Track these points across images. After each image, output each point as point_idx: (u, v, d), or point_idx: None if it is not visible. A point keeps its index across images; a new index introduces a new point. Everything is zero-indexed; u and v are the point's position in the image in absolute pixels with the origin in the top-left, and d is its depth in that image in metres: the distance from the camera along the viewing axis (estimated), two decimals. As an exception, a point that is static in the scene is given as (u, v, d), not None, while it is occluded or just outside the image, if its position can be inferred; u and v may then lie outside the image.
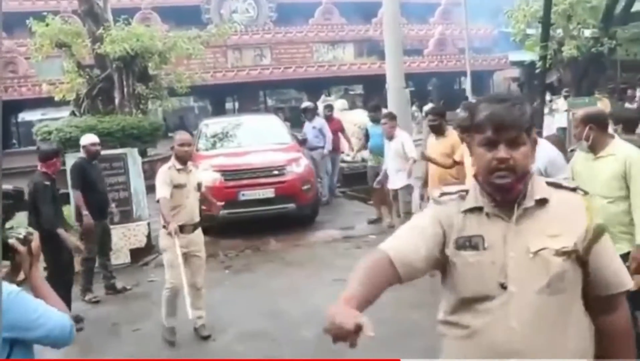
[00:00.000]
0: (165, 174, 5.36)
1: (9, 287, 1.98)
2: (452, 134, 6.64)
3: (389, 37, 12.07)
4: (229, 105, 34.77)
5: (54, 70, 19.05)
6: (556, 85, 27.30)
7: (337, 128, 11.04)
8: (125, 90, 14.65)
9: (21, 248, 2.08)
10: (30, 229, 2.20)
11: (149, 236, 8.15)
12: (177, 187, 5.29)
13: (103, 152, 8.36)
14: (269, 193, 8.57)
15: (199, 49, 15.34)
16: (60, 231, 6.00)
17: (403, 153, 7.80)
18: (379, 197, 9.21)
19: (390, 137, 7.93)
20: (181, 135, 5.66)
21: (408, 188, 7.92)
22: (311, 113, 11.13)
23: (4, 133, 24.01)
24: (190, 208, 5.47)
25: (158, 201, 5.32)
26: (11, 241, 2.06)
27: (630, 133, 5.20)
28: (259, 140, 9.81)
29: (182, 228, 5.24)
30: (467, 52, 17.40)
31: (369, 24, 27.77)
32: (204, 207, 5.97)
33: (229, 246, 8.54)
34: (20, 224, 2.30)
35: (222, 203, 6.61)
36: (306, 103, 11.54)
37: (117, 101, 14.72)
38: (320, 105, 14.54)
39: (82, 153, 7.10)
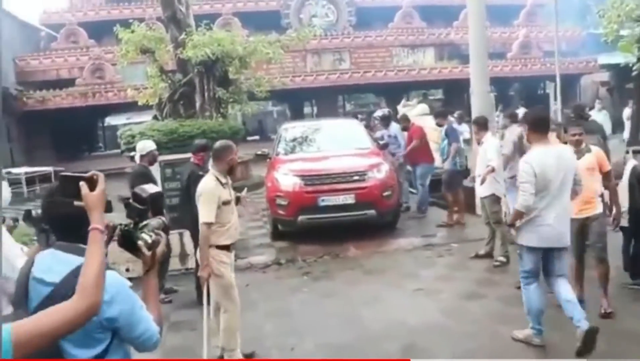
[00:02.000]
0: (213, 192, 4.76)
1: (124, 279, 2.09)
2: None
3: (474, 40, 11.58)
4: (307, 110, 34.91)
5: (138, 76, 19.61)
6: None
7: (419, 137, 10.35)
8: (206, 94, 14.81)
9: (146, 252, 2.19)
10: (161, 230, 2.28)
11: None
12: (225, 203, 4.80)
13: (182, 156, 8.37)
14: (349, 199, 8.30)
15: (279, 53, 15.34)
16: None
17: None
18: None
19: (478, 142, 7.55)
20: (231, 144, 5.15)
21: (493, 197, 7.51)
22: (387, 120, 10.80)
23: (91, 136, 25.00)
24: (236, 224, 5.00)
25: (203, 224, 4.72)
26: (140, 243, 2.18)
27: None
28: (339, 145, 9.57)
29: (229, 247, 4.90)
30: (557, 56, 16.52)
31: (450, 27, 27.19)
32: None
33: (308, 252, 8.32)
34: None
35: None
36: (381, 111, 11.15)
37: (198, 105, 14.90)
38: (401, 109, 14.18)
39: (138, 161, 7.04)
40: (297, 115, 33.34)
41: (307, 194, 8.35)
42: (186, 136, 13.66)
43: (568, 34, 28.76)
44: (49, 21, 26.36)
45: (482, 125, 7.65)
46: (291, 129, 10.46)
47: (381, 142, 10.12)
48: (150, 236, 2.20)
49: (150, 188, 2.38)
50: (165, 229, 2.33)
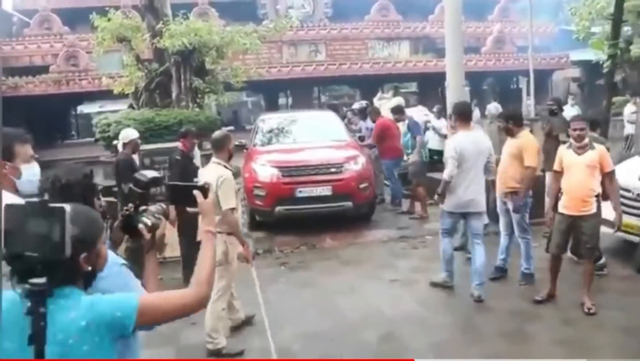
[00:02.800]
0: (232, 179, 5.01)
1: (117, 259, 2.21)
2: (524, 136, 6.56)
3: (450, 33, 11.62)
4: (282, 101, 34.88)
5: (113, 64, 19.43)
6: (620, 86, 26.37)
7: (383, 132, 10.23)
8: (183, 84, 14.73)
9: (146, 235, 2.27)
10: (161, 215, 2.35)
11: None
12: (237, 191, 5.07)
13: (160, 146, 8.44)
14: (326, 190, 8.44)
15: (256, 43, 15.32)
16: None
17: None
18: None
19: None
20: (229, 133, 5.50)
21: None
22: (364, 113, 10.93)
23: (64, 124, 24.58)
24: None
25: (229, 210, 4.86)
26: (140, 226, 2.26)
27: None
28: (316, 137, 9.70)
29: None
30: (530, 51, 16.83)
31: (425, 20, 27.39)
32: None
33: (285, 242, 8.46)
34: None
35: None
36: (359, 103, 11.22)
37: (174, 95, 14.82)
38: (376, 102, 14.32)
39: (121, 149, 7.12)
40: (272, 106, 33.27)
41: (284, 185, 8.47)
42: (162, 125, 13.60)
43: (541, 29, 29.22)
44: (22, 6, 25.90)
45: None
46: (268, 120, 10.55)
47: (359, 135, 10.25)
48: (150, 219, 2.28)
49: (150, 173, 2.49)
50: (165, 214, 2.41)
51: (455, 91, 11.70)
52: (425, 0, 28.11)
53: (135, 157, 7.44)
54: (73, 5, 24.68)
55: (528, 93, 32.55)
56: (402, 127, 10.06)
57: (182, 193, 2.28)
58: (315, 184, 8.42)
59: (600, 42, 20.06)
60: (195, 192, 2.24)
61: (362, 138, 10.29)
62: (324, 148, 9.28)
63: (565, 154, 5.88)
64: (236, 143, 10.63)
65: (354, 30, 25.85)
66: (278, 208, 8.46)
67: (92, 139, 22.60)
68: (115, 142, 14.15)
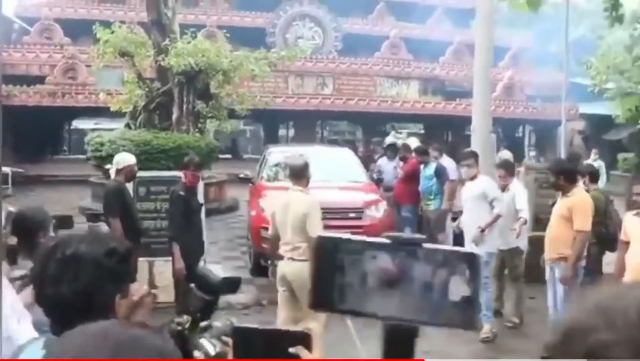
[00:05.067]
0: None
1: None
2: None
3: (479, 77, 11.15)
4: (282, 132, 34.11)
5: (113, 81, 18.65)
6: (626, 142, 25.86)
7: (410, 172, 9.39)
8: (185, 106, 13.90)
9: None
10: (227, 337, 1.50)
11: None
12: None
13: (158, 174, 7.48)
14: (344, 238, 7.49)
15: (265, 70, 14.54)
16: (175, 248, 5.69)
17: (514, 209, 6.65)
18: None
19: (503, 188, 6.75)
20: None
21: (517, 250, 6.78)
22: (394, 150, 9.98)
23: (56, 139, 23.51)
24: None
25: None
26: (196, 354, 1.48)
27: None
28: (331, 176, 8.75)
29: None
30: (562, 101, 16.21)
31: (436, 62, 26.84)
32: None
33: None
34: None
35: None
36: (391, 139, 10.25)
37: (174, 117, 13.97)
38: (389, 140, 13.49)
39: (114, 176, 6.13)
40: (272, 136, 32.47)
41: (296, 229, 7.48)
42: (159, 149, 12.73)
43: (552, 79, 28.71)
44: (25, 14, 25.11)
45: (509, 169, 6.93)
46: (277, 153, 9.57)
47: (375, 176, 9.34)
48: (214, 345, 1.51)
49: (223, 271, 1.68)
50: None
51: (481, 136, 10.98)
52: (436, 42, 27.60)
53: (129, 185, 6.44)
54: (77, 16, 23.96)
55: (529, 143, 32.22)
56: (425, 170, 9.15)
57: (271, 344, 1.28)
58: (333, 230, 7.44)
59: (615, 97, 19.65)
60: (296, 348, 1.23)
61: (380, 181, 9.36)
62: (342, 189, 8.36)
63: (630, 222, 4.98)
64: (240, 175, 9.77)
65: (363, 65, 25.23)
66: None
67: (84, 156, 21.71)
68: (108, 165, 13.27)
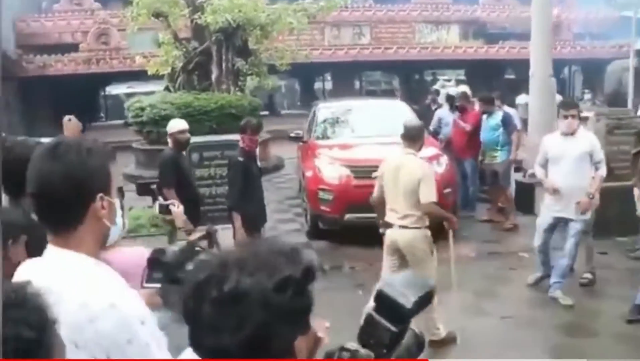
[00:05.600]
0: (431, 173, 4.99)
1: None
2: None
3: (538, 17, 10.43)
4: (317, 86, 33.46)
5: (147, 43, 18.22)
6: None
7: (476, 124, 8.67)
8: (224, 65, 13.46)
9: None
10: None
11: (262, 240, 6.79)
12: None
13: (210, 138, 7.11)
14: (407, 196, 7.03)
15: (303, 23, 13.93)
16: (236, 218, 5.40)
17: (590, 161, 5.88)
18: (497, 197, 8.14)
19: (573, 132, 6.02)
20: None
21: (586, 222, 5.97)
22: (453, 100, 9.36)
23: (93, 106, 23.40)
24: None
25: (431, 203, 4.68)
26: None
27: None
28: (388, 131, 8.25)
29: None
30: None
31: (476, 4, 25.68)
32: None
33: (356, 256, 7.05)
34: None
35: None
36: (457, 89, 9.38)
37: (214, 77, 13.55)
38: (442, 90, 12.81)
39: (169, 143, 5.75)
40: (308, 91, 31.92)
41: (357, 189, 7.04)
42: (202, 110, 12.38)
43: (600, 15, 27.34)
44: (52, -19, 24.78)
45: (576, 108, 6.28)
46: (328, 109, 9.08)
47: (432, 128, 8.81)
48: None
49: (412, 291, 1.24)
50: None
51: (541, 82, 10.30)
52: (475, -18, 26.40)
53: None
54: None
55: (576, 85, 30.87)
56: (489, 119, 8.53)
57: None
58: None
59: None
60: None
61: (436, 133, 8.82)
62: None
63: None
64: (291, 134, 9.33)
65: (400, 12, 24.27)
66: (348, 216, 7.05)
67: (122, 122, 21.55)
68: (146, 128, 12.97)
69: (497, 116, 8.27)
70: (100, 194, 1.48)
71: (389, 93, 27.71)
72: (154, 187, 6.17)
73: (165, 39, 13.90)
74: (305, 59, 15.28)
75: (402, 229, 4.69)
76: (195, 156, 6.58)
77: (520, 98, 16.47)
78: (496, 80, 24.22)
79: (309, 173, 7.60)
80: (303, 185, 7.99)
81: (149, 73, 14.51)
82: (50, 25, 22.24)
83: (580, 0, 27.47)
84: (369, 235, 7.35)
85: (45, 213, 1.48)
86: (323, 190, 7.18)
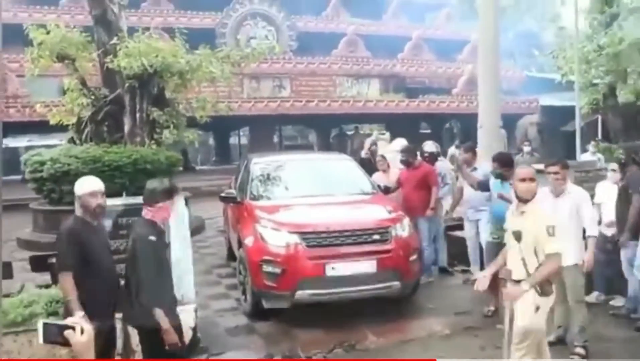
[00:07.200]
0: None
1: None
2: None
3: (485, 69, 10.17)
4: (232, 140, 32.34)
5: (49, 91, 16.62)
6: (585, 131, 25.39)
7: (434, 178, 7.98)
8: (138, 115, 12.02)
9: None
10: None
11: (195, 329, 5.41)
12: None
13: (129, 201, 5.75)
14: (369, 266, 5.91)
15: (226, 72, 12.80)
16: (158, 312, 3.87)
17: (577, 218, 5.33)
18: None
19: (559, 193, 5.40)
20: None
21: (578, 268, 5.41)
22: (433, 156, 8.41)
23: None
24: None
25: None
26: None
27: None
28: (336, 188, 7.21)
29: None
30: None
31: (395, 58, 25.71)
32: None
33: (310, 341, 5.82)
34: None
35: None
36: (431, 145, 8.41)
37: (126, 128, 12.05)
38: (368, 142, 12.05)
39: (77, 209, 4.23)
40: (223, 146, 30.71)
41: (310, 260, 5.87)
42: (113, 166, 10.82)
43: (509, 73, 28.17)
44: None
45: (565, 168, 5.56)
46: (265, 164, 7.89)
47: (383, 185, 7.85)
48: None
49: None
50: None
51: (490, 132, 9.80)
52: (393, 38, 26.54)
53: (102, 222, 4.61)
54: (2, 20, 21.54)
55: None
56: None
57: None
58: (354, 258, 5.89)
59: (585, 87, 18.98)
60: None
61: (387, 189, 7.86)
62: (356, 204, 6.82)
63: None
64: (222, 195, 8.08)
65: (321, 65, 23.85)
66: (300, 293, 5.82)
67: (19, 177, 19.42)
68: (47, 186, 11.28)
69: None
70: None
71: (307, 148, 27.02)
72: (53, 260, 4.71)
73: (70, 84, 12.35)
74: (227, 111, 14.14)
75: None
76: (107, 223, 5.13)
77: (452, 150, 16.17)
78: (413, 134, 24.11)
79: (248, 241, 6.34)
80: (240, 255, 6.70)
81: (52, 123, 12.85)
82: None
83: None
84: (318, 314, 6.21)
85: None
86: (268, 262, 5.94)
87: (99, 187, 4.21)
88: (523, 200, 4.29)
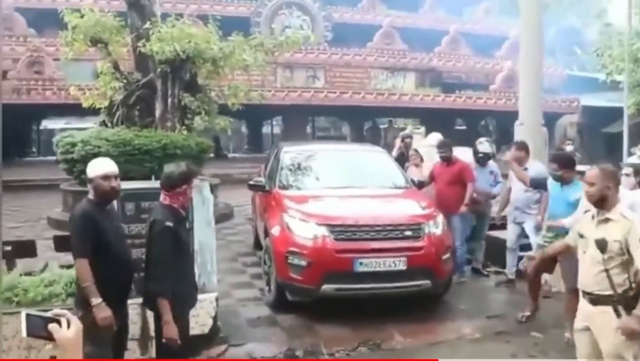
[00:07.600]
0: None
1: None
2: None
3: (527, 66, 9.91)
4: (265, 129, 32.25)
5: (84, 75, 16.69)
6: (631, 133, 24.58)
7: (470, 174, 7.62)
8: (170, 100, 11.96)
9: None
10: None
11: (215, 318, 5.24)
12: None
13: (150, 185, 5.51)
14: (400, 263, 5.66)
15: (260, 60, 12.62)
16: (161, 302, 3.70)
17: None
18: (538, 283, 6.27)
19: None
20: None
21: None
22: (488, 157, 8.07)
23: (23, 139, 21.10)
24: None
25: None
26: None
27: None
28: (369, 181, 6.97)
29: None
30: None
31: (431, 52, 25.23)
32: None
33: (333, 337, 5.61)
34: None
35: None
36: (485, 145, 8.03)
37: (157, 113, 12.02)
38: (400, 136, 11.72)
39: (89, 193, 3.97)
40: (256, 134, 30.64)
41: (338, 253, 5.65)
42: (142, 150, 10.84)
43: (550, 70, 27.42)
44: (-18, 4, 22.85)
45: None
46: (296, 153, 7.68)
47: (417, 180, 7.56)
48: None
49: None
50: None
51: (531, 130, 9.39)
52: (431, 31, 26.05)
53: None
54: (40, 5, 21.80)
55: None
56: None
57: None
58: (384, 253, 5.65)
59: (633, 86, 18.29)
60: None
61: (421, 184, 7.57)
62: (388, 198, 6.58)
63: None
64: (251, 182, 7.91)
65: (356, 57, 23.49)
66: (326, 287, 5.62)
67: (54, 158, 19.63)
68: (77, 167, 11.28)
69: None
70: None
71: (339, 140, 26.75)
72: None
73: (104, 68, 12.33)
74: (260, 99, 13.97)
75: None
76: (129, 207, 4.96)
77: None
78: (449, 130, 23.67)
79: (275, 231, 6.14)
80: (266, 244, 6.51)
81: (84, 106, 12.89)
82: (-25, 51, 20.27)
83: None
84: (344, 310, 5.98)
85: None
86: (294, 253, 5.74)
87: (113, 169, 3.95)
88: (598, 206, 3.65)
